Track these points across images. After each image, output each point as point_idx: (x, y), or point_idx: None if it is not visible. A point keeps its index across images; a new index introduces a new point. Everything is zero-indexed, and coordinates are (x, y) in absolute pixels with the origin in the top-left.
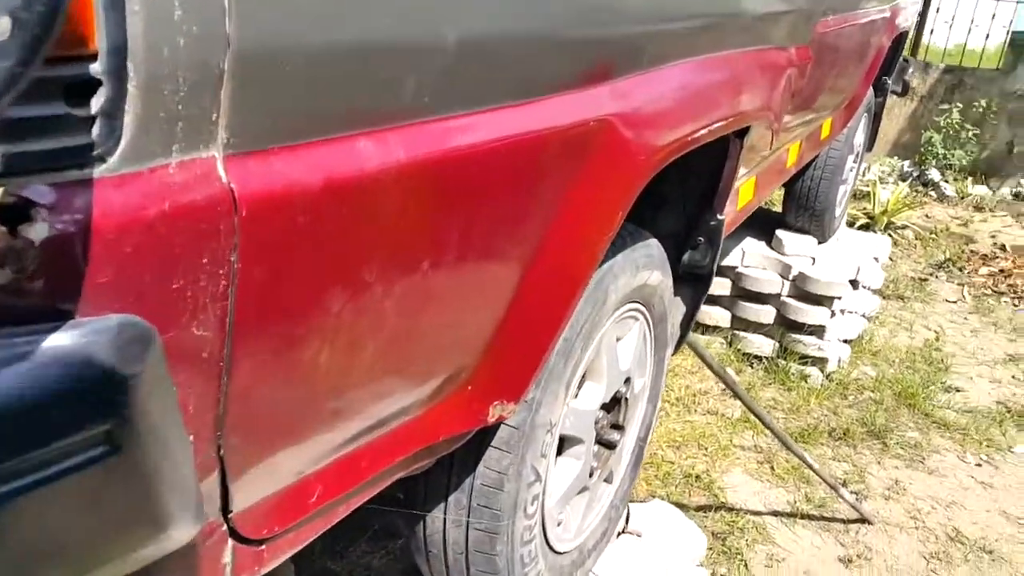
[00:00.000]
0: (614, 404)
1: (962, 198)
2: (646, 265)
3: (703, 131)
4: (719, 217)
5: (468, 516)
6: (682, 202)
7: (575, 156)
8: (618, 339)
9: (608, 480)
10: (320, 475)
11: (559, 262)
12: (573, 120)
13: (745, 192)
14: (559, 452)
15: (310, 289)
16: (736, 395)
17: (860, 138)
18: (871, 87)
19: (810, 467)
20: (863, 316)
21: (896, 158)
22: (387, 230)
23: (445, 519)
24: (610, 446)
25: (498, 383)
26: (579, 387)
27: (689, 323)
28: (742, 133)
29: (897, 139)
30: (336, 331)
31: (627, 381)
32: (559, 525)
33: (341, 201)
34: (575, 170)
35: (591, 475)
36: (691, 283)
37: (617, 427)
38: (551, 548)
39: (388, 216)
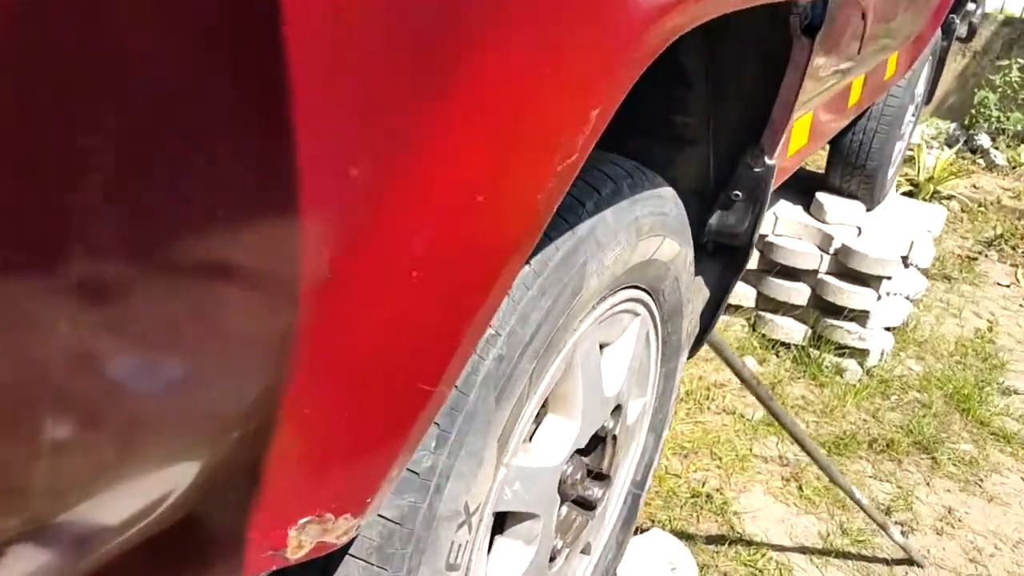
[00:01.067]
0: (595, 443)
1: (1014, 167)
2: (653, 228)
3: None
4: (768, 162)
5: None
6: (710, 137)
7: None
8: (603, 347)
9: (584, 552)
10: None
11: (438, 219)
12: None
13: (799, 134)
14: (498, 530)
15: None
16: (776, 418)
17: (921, 87)
18: (940, 26)
19: (859, 504)
20: (907, 299)
21: (942, 120)
22: None
23: None
24: (587, 506)
25: (310, 485)
26: (530, 430)
27: (715, 315)
28: (813, 27)
29: (943, 100)
30: None
31: (616, 409)
32: None
33: None
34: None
35: (553, 559)
36: (720, 258)
37: (599, 476)
38: None
39: None
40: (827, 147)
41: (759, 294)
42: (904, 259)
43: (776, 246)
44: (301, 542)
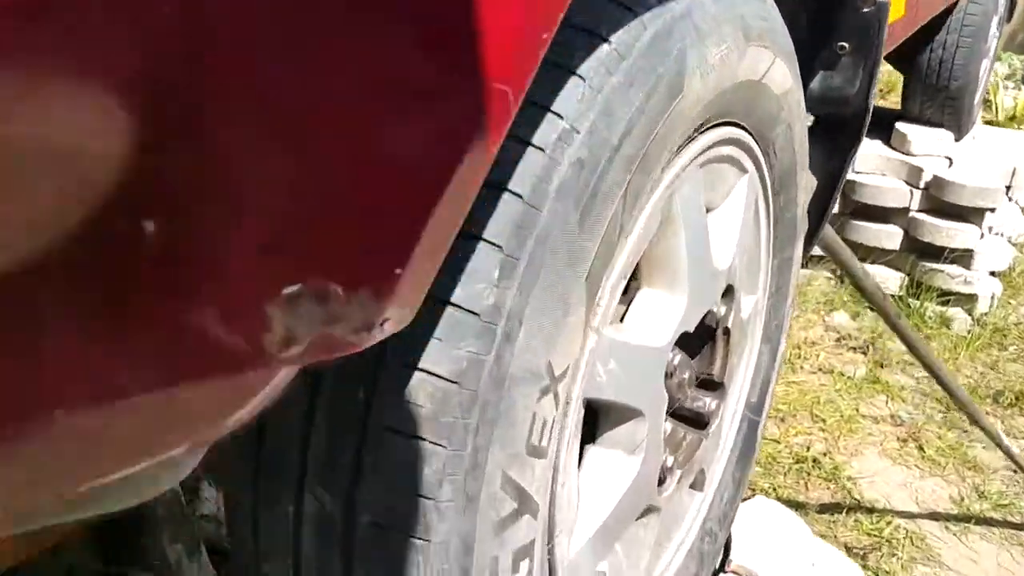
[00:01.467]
0: (702, 338)
1: None
2: (763, 37)
3: None
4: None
5: None
6: None
7: None
8: (709, 210)
9: (696, 486)
10: None
11: None
12: None
13: (896, 2)
14: (588, 439)
15: None
16: (906, 342)
17: None
18: None
19: (1007, 453)
20: (1010, 243)
21: (1017, 55)
22: None
23: None
24: (698, 423)
25: (297, 227)
26: (623, 294)
27: (827, 208)
28: None
29: (1013, 35)
30: None
31: (728, 292)
32: None
33: None
34: None
35: (662, 482)
36: (825, 136)
37: (710, 384)
38: None
39: None
40: (903, 75)
41: (844, 241)
42: (1008, 189)
43: (858, 184)
44: (291, 330)
